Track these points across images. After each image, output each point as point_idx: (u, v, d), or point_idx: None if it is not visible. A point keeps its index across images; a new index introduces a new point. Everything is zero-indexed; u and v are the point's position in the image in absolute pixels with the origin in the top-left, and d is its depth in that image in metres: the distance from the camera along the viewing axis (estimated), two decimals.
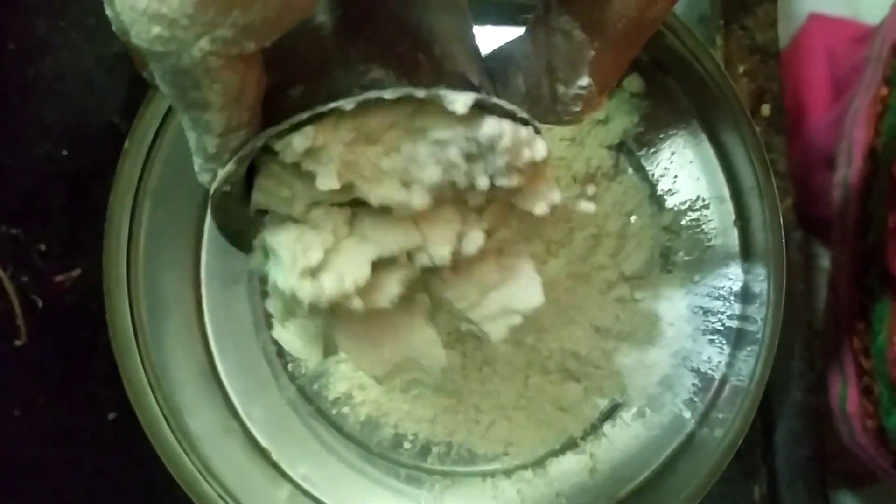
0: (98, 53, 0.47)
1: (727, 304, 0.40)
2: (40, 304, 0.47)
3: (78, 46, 0.47)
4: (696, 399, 0.41)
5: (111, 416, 0.47)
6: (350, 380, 0.42)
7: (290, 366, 0.43)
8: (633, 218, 0.41)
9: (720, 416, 0.39)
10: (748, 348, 0.39)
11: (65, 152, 0.47)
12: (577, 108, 0.24)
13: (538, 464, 0.41)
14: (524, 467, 0.41)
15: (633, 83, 0.41)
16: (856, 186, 0.45)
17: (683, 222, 0.41)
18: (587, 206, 0.38)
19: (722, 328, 0.40)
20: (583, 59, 0.23)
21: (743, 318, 0.40)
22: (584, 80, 0.24)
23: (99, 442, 0.47)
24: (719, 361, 0.40)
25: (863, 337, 0.43)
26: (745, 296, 0.40)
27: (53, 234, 0.48)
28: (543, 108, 0.25)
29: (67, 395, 0.47)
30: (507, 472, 0.42)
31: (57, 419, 0.47)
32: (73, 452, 0.47)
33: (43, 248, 0.47)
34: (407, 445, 0.42)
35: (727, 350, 0.40)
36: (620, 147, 0.42)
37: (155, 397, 0.40)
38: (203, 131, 0.21)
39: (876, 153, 0.44)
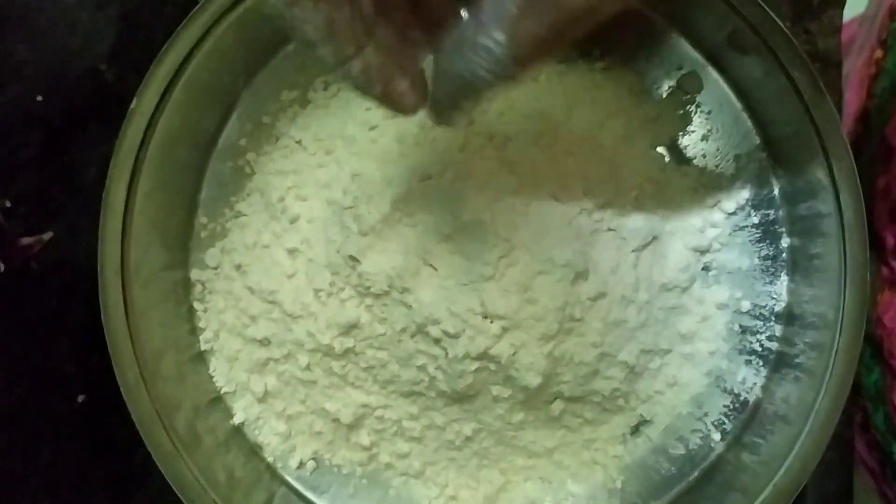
0: None
1: (767, 324, 0.38)
2: (2, 268, 0.42)
3: None
4: (726, 421, 0.39)
5: (80, 398, 0.42)
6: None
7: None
8: (670, 223, 0.39)
9: (752, 440, 0.38)
10: (785, 372, 0.38)
11: (39, 98, 0.42)
12: (486, 65, 0.23)
13: (558, 480, 0.39)
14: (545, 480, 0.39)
15: (691, 81, 0.38)
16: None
17: (729, 229, 0.39)
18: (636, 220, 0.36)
19: (760, 349, 0.39)
20: (503, 12, 0.22)
21: (784, 340, 0.38)
22: (499, 35, 0.23)
23: (65, 426, 0.42)
24: (754, 384, 0.38)
25: None
26: (789, 317, 0.38)
27: (21, 189, 0.42)
28: (463, 51, 0.24)
29: (30, 372, 0.42)
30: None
31: (17, 399, 0.42)
32: (35, 436, 0.42)
33: (8, 204, 0.42)
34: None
35: (763, 372, 0.38)
36: (671, 148, 0.39)
37: (147, 392, 0.35)
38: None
39: (868, 115, 0.44)
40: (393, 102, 0.25)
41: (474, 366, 0.34)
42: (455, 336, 0.34)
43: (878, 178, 0.41)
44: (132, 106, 0.34)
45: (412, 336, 0.35)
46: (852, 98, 0.46)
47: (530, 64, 0.24)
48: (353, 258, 0.35)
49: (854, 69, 0.47)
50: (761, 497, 0.34)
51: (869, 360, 0.41)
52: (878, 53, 0.44)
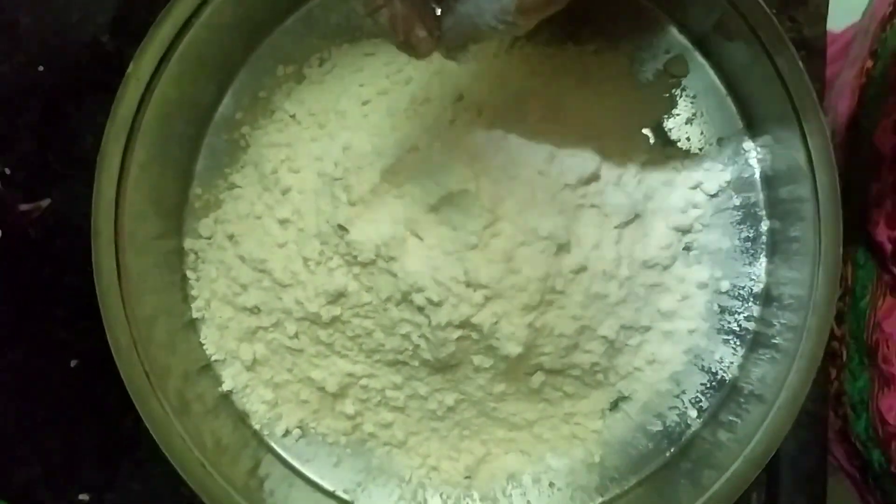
0: None
1: (746, 304, 0.39)
2: (0, 233, 0.43)
3: None
4: (703, 399, 0.40)
5: (73, 363, 0.43)
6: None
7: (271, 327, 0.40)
8: (653, 202, 0.39)
9: (728, 418, 0.38)
10: (761, 352, 0.38)
11: (41, 68, 0.43)
12: (493, 12, 0.26)
13: (537, 454, 0.40)
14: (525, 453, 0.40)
15: (678, 65, 0.39)
16: (839, 156, 0.45)
17: (711, 211, 0.40)
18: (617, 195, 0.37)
19: (738, 329, 0.39)
20: None
21: (761, 321, 0.39)
22: None
23: (57, 390, 0.43)
24: (731, 363, 0.39)
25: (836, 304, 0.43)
26: (766, 298, 0.39)
27: (20, 157, 0.43)
28: (470, 0, 0.26)
29: (25, 336, 0.43)
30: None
31: (11, 362, 0.43)
32: (28, 399, 0.43)
33: (7, 171, 0.43)
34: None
35: (741, 352, 0.39)
36: (657, 129, 0.40)
37: (139, 356, 0.36)
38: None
39: (858, 123, 0.44)
40: (411, 48, 0.28)
41: (456, 334, 0.35)
42: (438, 304, 0.35)
43: (871, 185, 0.41)
44: (129, 70, 0.35)
45: (397, 304, 0.36)
46: (844, 108, 0.47)
47: (534, 15, 0.26)
48: (341, 227, 0.36)
49: (846, 80, 0.48)
50: (732, 468, 0.35)
51: (857, 366, 0.42)
52: (869, 63, 0.45)
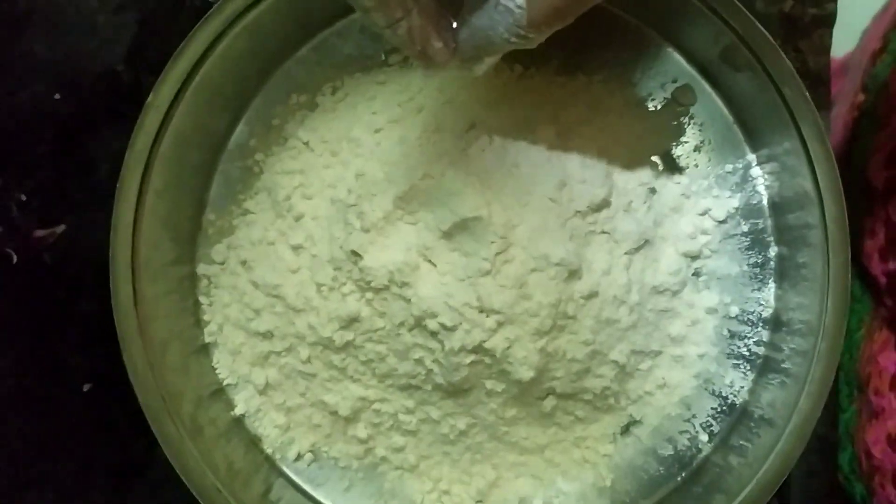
0: None
1: (755, 329, 0.40)
2: (15, 258, 0.43)
3: None
4: (713, 423, 0.40)
5: (86, 387, 0.43)
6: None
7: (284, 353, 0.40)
8: (662, 229, 0.40)
9: (739, 443, 0.39)
10: (771, 376, 0.39)
11: (57, 96, 0.43)
12: (505, 25, 0.27)
13: (548, 478, 0.40)
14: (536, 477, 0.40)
15: (685, 94, 0.40)
16: None
17: (720, 237, 0.40)
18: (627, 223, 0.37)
19: (747, 353, 0.40)
20: None
21: (771, 345, 0.39)
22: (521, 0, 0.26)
23: (70, 414, 0.43)
24: (742, 387, 0.40)
25: None
26: (776, 323, 0.39)
27: (37, 183, 0.43)
28: (487, 9, 0.27)
29: (39, 360, 0.43)
30: None
31: (25, 385, 0.43)
32: (41, 422, 0.43)
33: (23, 198, 0.43)
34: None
35: (751, 376, 0.40)
36: (665, 157, 0.40)
37: (154, 380, 0.36)
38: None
39: (851, 157, 0.45)
40: (428, 59, 0.29)
41: (469, 359, 0.36)
42: (452, 329, 0.35)
43: (865, 218, 0.42)
44: (149, 100, 0.36)
45: (410, 330, 0.36)
46: (837, 142, 0.47)
47: (545, 29, 0.27)
48: (355, 253, 0.36)
49: (839, 114, 0.49)
50: (743, 493, 0.35)
51: (845, 399, 0.42)
52: (860, 97, 0.46)
